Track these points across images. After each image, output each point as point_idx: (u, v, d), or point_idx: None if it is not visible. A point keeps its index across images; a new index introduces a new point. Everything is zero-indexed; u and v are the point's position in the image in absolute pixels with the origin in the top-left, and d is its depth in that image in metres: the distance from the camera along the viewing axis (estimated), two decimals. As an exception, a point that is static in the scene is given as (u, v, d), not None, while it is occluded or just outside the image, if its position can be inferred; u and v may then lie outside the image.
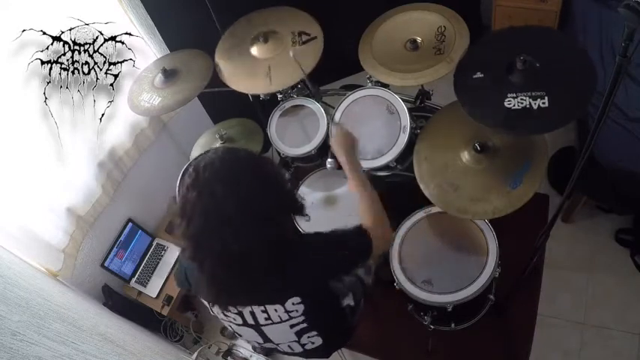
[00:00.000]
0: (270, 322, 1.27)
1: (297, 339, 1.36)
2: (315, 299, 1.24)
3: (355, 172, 1.39)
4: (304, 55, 1.82)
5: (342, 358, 1.82)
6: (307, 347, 1.41)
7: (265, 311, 1.22)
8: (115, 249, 2.38)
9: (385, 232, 1.32)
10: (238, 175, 1.03)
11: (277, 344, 1.42)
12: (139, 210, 2.56)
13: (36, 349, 1.12)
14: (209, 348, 2.26)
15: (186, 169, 1.08)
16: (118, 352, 1.58)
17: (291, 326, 1.28)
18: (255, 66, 1.91)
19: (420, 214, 1.73)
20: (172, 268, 2.42)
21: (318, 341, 1.38)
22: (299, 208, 1.21)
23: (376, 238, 1.24)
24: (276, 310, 1.22)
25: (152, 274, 2.46)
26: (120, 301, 2.31)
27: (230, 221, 1.00)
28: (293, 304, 1.20)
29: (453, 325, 1.69)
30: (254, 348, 2.08)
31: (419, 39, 1.68)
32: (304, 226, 1.87)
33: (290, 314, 1.23)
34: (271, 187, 1.08)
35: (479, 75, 1.38)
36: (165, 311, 2.34)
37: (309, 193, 1.99)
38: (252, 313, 1.24)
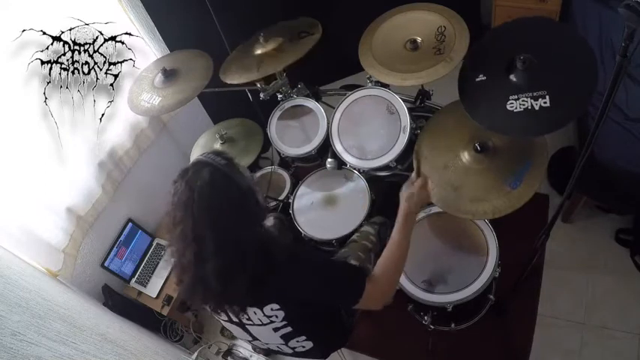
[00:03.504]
0: (251, 322, 1.27)
1: (284, 342, 1.36)
2: (297, 309, 1.23)
3: (410, 223, 1.35)
4: (298, 47, 1.82)
5: (342, 358, 1.82)
6: (298, 350, 1.41)
7: (245, 313, 1.23)
8: (115, 249, 2.38)
9: (388, 290, 1.27)
10: (216, 204, 1.09)
11: (266, 344, 1.42)
12: (139, 210, 2.56)
13: (36, 349, 1.12)
14: (209, 348, 2.27)
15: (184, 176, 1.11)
16: (118, 352, 1.58)
17: (275, 330, 1.28)
18: (252, 62, 1.91)
19: (420, 214, 1.73)
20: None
21: (309, 345, 1.38)
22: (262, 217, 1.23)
23: (375, 289, 1.20)
24: (255, 313, 1.22)
25: (152, 274, 2.46)
26: (120, 301, 2.31)
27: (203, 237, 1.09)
28: (272, 309, 1.20)
29: (453, 325, 1.69)
30: (254, 348, 2.08)
31: (419, 39, 1.67)
32: (305, 226, 1.88)
33: (270, 319, 1.23)
34: (240, 210, 1.12)
35: (481, 77, 1.37)
36: (165, 311, 2.34)
37: (309, 193, 1.99)
38: (234, 312, 1.25)
